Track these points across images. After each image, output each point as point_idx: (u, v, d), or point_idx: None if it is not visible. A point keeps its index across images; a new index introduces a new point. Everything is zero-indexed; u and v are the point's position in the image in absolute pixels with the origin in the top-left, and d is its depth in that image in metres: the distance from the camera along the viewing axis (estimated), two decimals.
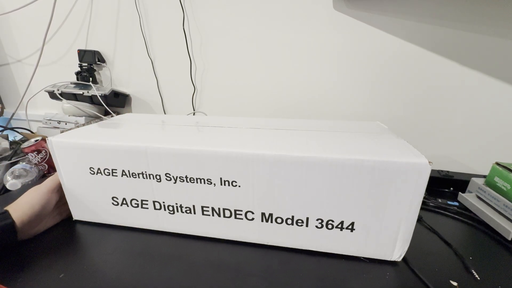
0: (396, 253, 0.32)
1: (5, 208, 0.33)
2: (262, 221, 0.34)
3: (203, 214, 0.36)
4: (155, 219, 0.38)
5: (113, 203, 0.38)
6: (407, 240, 0.31)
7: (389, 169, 0.28)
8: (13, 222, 0.32)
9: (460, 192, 0.49)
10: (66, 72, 0.83)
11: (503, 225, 0.38)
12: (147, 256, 0.34)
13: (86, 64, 0.79)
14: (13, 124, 0.84)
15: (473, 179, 0.48)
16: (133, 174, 0.35)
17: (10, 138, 0.68)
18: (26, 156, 0.60)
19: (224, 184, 0.33)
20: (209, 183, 0.33)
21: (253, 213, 0.34)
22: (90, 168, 0.36)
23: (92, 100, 0.75)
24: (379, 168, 0.28)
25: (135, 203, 0.37)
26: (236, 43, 0.68)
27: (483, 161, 0.52)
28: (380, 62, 0.60)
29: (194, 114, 0.78)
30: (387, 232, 0.31)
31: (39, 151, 0.60)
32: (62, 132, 0.39)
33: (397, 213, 0.30)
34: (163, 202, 0.36)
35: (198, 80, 0.75)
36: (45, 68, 0.86)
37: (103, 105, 0.75)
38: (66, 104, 0.76)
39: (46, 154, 0.63)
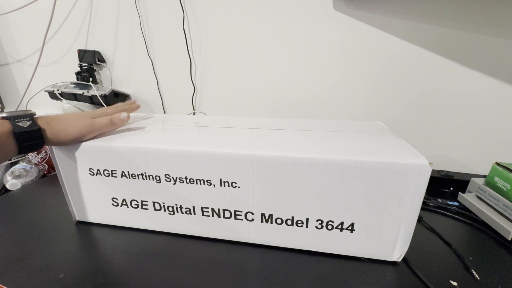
0: (396, 254, 0.32)
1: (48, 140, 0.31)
2: (262, 222, 0.34)
3: (203, 215, 0.36)
4: (155, 220, 0.38)
5: (113, 204, 0.38)
6: (407, 241, 0.31)
7: (389, 170, 0.28)
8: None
9: (460, 192, 0.49)
10: (66, 72, 0.83)
11: (503, 225, 0.38)
12: (147, 257, 0.34)
13: (86, 64, 0.79)
14: None
15: (473, 179, 0.48)
16: (133, 175, 0.35)
17: None
18: (26, 156, 0.60)
19: (224, 185, 0.33)
20: (209, 184, 0.33)
21: (253, 214, 0.34)
22: (89, 169, 0.36)
23: (92, 100, 0.75)
24: (379, 169, 0.28)
25: (135, 204, 0.37)
26: (237, 43, 0.68)
27: (483, 161, 0.52)
28: (380, 62, 0.60)
29: (194, 114, 0.78)
30: (387, 233, 0.31)
31: (39, 151, 0.60)
32: None
33: (397, 214, 0.30)
34: (163, 203, 0.36)
35: (198, 80, 0.75)
36: (45, 68, 0.86)
37: (103, 105, 0.75)
38: (66, 104, 0.76)
39: (46, 154, 0.63)
